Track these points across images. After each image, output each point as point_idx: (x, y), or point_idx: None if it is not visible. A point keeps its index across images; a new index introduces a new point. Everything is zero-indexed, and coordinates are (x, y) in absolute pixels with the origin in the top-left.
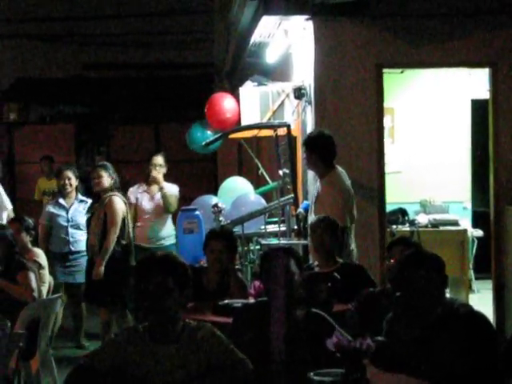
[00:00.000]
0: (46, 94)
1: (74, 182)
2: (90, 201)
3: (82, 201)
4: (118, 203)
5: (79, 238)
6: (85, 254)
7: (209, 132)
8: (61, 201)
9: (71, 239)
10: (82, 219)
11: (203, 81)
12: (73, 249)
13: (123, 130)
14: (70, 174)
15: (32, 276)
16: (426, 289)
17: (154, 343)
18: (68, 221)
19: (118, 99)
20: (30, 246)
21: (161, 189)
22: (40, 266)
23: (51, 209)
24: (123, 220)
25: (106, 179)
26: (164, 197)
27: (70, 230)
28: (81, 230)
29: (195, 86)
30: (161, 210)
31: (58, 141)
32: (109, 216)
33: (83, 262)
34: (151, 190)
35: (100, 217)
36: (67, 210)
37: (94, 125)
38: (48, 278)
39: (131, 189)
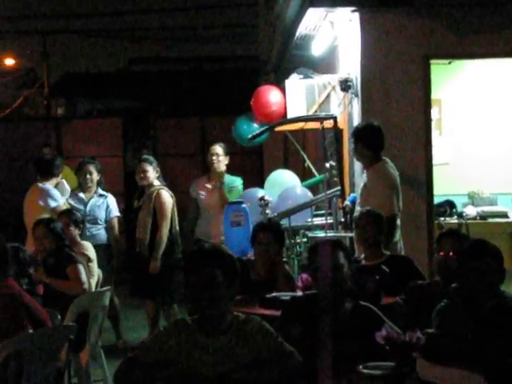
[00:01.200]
0: (93, 89)
1: (96, 176)
2: (110, 196)
3: (101, 195)
4: (166, 197)
5: (96, 232)
6: (102, 247)
7: (255, 125)
8: (80, 194)
9: (87, 233)
10: (101, 213)
11: (249, 74)
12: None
13: (169, 124)
14: (91, 168)
15: (81, 269)
16: (488, 278)
17: (203, 335)
18: (86, 215)
19: (164, 93)
20: (78, 239)
21: (220, 182)
22: (89, 259)
23: (70, 201)
24: (171, 213)
25: (151, 173)
26: (227, 190)
27: (88, 225)
28: (98, 224)
29: (241, 78)
30: (223, 204)
31: (106, 135)
32: (158, 210)
33: (101, 255)
34: (213, 183)
35: (149, 211)
36: (85, 204)
37: (140, 119)
38: (96, 271)
39: (193, 183)
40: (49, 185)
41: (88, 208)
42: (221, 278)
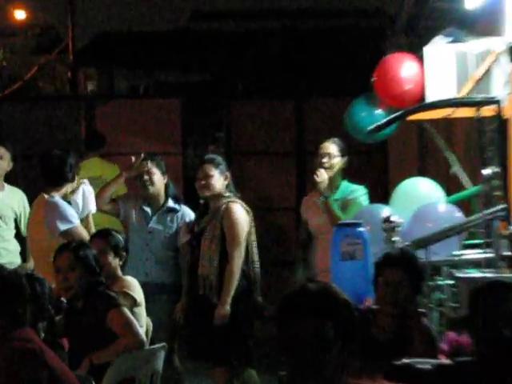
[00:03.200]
0: (138, 56)
1: (159, 178)
2: (187, 210)
3: (170, 209)
4: (240, 213)
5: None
6: (159, 287)
7: (378, 111)
8: (144, 206)
9: (149, 265)
10: (169, 237)
11: (369, 36)
12: (150, 280)
13: (250, 109)
14: (151, 165)
15: (129, 315)
16: None
17: None
18: (148, 237)
19: (242, 63)
20: (119, 272)
21: (328, 192)
22: (134, 302)
23: (132, 212)
24: (246, 237)
25: (218, 179)
26: (339, 204)
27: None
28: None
29: (358, 43)
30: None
31: (158, 122)
32: (228, 232)
33: (163, 300)
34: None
35: (215, 234)
36: (149, 219)
37: (207, 100)
38: (145, 319)
39: (305, 198)
40: (58, 197)
41: (151, 226)
42: (331, 334)
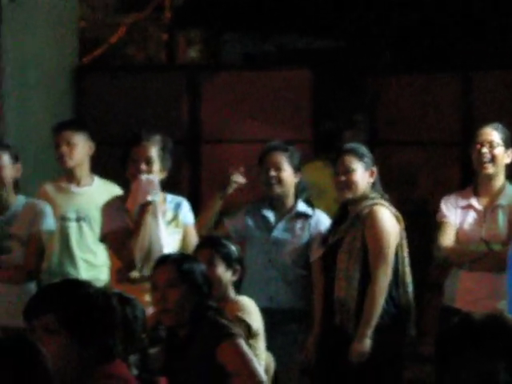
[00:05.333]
0: (254, 16)
1: (289, 176)
2: (322, 216)
3: (300, 214)
4: (388, 220)
5: None
6: (296, 315)
7: None
8: (264, 210)
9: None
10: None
11: None
12: (275, 305)
13: (400, 84)
14: (281, 158)
15: (246, 348)
16: None
17: None
18: (272, 250)
19: (389, 26)
20: (231, 291)
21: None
22: (249, 331)
23: (247, 221)
24: (396, 251)
25: (361, 175)
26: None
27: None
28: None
29: None
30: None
31: (280, 100)
32: (372, 244)
33: (292, 330)
34: (487, 200)
35: (355, 247)
36: (272, 227)
37: (343, 72)
38: (264, 354)
39: (448, 197)
40: None
41: (275, 235)
42: (506, 379)
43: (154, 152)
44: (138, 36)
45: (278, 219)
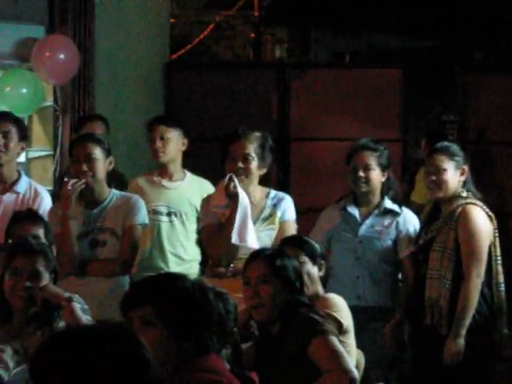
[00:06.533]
0: (343, 14)
1: (377, 175)
2: (409, 214)
3: (388, 211)
4: (481, 219)
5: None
6: (384, 314)
7: None
8: (349, 207)
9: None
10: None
11: None
12: (362, 303)
13: (491, 83)
14: (370, 159)
15: (338, 344)
16: None
17: None
18: (359, 248)
19: (475, 24)
20: (320, 287)
21: None
22: (340, 328)
23: (337, 219)
24: (489, 251)
25: (452, 175)
26: None
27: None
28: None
29: None
30: None
31: (369, 99)
32: (465, 244)
33: (379, 329)
34: None
35: (447, 246)
36: (358, 225)
37: (433, 71)
38: (355, 351)
39: None
40: None
41: (362, 232)
42: None
43: (251, 149)
44: (226, 34)
45: (364, 216)
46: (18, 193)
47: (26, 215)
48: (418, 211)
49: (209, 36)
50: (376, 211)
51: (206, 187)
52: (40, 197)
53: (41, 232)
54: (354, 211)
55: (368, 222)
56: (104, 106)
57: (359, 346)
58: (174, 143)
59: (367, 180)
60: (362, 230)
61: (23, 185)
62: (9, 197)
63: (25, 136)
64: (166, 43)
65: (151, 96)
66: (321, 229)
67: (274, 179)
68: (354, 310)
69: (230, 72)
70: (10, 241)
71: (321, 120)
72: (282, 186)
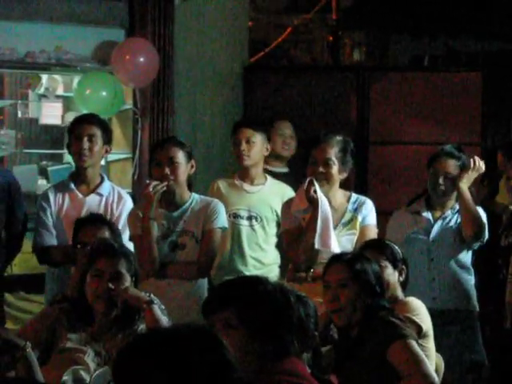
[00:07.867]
0: (423, 18)
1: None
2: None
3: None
4: None
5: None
6: (461, 317)
7: None
8: (423, 211)
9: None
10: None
11: None
12: (439, 306)
13: None
14: (451, 167)
15: (417, 349)
16: None
17: None
18: (432, 250)
19: None
20: (400, 291)
21: None
22: (419, 332)
23: (409, 222)
24: None
25: None
26: None
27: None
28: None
29: None
30: None
31: (448, 103)
32: None
33: (456, 332)
34: None
35: None
36: (430, 226)
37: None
38: (434, 356)
39: None
40: None
41: (432, 237)
42: None
43: (332, 154)
44: (304, 37)
45: (437, 218)
46: (101, 195)
47: (90, 220)
48: (501, 212)
49: (286, 40)
50: (450, 212)
51: (286, 191)
52: (123, 200)
53: (106, 235)
54: (427, 214)
55: (440, 222)
56: (184, 108)
57: (436, 349)
58: (259, 147)
59: (446, 188)
60: (434, 231)
61: (106, 188)
62: (93, 198)
63: (109, 139)
64: (245, 47)
65: (230, 99)
66: (395, 233)
67: (352, 182)
68: (429, 312)
69: (309, 75)
70: (78, 246)
71: (400, 124)
72: (359, 190)
